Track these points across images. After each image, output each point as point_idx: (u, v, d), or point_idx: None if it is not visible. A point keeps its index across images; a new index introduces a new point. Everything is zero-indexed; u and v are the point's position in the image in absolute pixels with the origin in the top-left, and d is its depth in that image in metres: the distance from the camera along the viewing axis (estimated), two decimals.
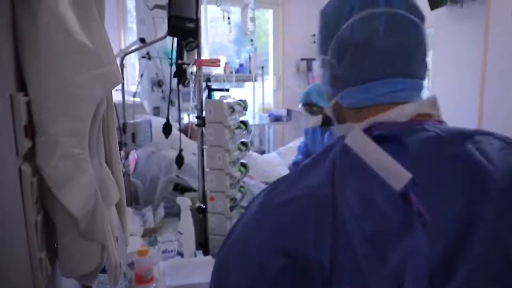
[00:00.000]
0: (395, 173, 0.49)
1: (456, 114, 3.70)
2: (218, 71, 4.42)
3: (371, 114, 0.59)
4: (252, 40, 4.85)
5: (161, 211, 2.22)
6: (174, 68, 1.98)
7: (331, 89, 0.66)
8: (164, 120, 3.10)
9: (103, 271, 1.02)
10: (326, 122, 2.58)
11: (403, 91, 0.60)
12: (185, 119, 3.41)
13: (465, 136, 0.56)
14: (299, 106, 2.73)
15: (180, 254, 1.85)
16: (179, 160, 2.19)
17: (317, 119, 2.68)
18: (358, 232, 0.46)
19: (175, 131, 2.89)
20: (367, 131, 0.56)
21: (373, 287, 0.44)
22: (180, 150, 2.19)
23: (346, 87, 0.63)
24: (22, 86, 0.76)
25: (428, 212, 0.47)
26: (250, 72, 5.16)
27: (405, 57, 0.61)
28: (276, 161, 3.46)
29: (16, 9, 0.74)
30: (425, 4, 3.60)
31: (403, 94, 0.60)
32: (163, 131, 2.17)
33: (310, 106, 2.67)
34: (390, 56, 0.60)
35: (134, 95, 2.86)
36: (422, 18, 0.64)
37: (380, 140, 0.53)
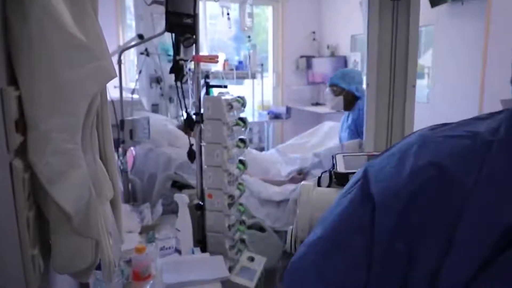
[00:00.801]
0: None
1: (456, 111, 3.69)
2: (217, 68, 4.41)
3: None
4: (249, 37, 4.83)
5: (159, 208, 2.21)
6: (171, 64, 1.97)
7: None
8: (164, 117, 3.09)
9: (99, 267, 1.01)
10: (347, 107, 2.91)
11: None
12: (184, 115, 3.41)
13: None
14: (326, 89, 3.09)
15: (178, 251, 1.84)
16: (191, 155, 2.12)
17: (336, 101, 2.94)
18: (500, 173, 0.52)
19: (172, 127, 2.88)
20: None
21: (502, 212, 0.50)
22: (191, 145, 2.15)
23: None
24: (12, 80, 0.75)
25: None
26: (249, 69, 5.15)
27: None
28: (275, 159, 3.45)
29: (7, 4, 0.73)
30: (426, 2, 3.58)
31: None
32: (185, 123, 2.07)
33: (332, 86, 2.99)
34: None
35: (133, 91, 2.84)
36: None
37: None
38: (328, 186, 1.24)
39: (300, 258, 0.66)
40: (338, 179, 1.21)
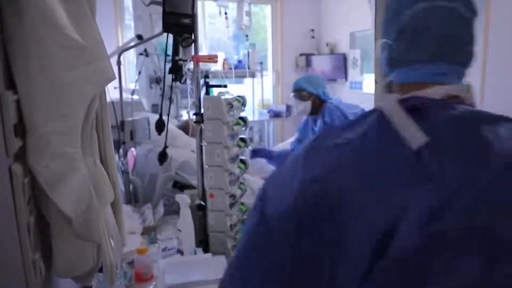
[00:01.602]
0: (414, 135, 0.59)
1: None
2: (216, 67, 4.40)
3: (414, 89, 0.69)
4: (247, 36, 4.82)
5: (160, 208, 2.21)
6: (170, 65, 1.96)
7: (387, 69, 0.76)
8: (164, 117, 3.09)
9: (102, 270, 1.01)
10: (314, 111, 2.84)
11: (446, 74, 0.70)
12: (184, 116, 3.40)
13: (488, 119, 0.63)
14: (291, 95, 2.96)
15: (180, 252, 1.84)
16: (162, 156, 2.15)
17: (304, 106, 2.85)
18: (376, 174, 0.58)
19: (173, 128, 2.88)
20: (404, 101, 0.65)
21: (375, 219, 0.56)
22: (166, 146, 2.16)
23: (400, 66, 0.73)
24: (11, 84, 0.75)
25: (438, 170, 0.56)
26: (249, 68, 5.13)
27: (454, 46, 0.70)
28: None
29: (3, 5, 0.72)
30: None
31: (445, 77, 0.69)
32: (155, 127, 2.14)
33: (299, 91, 2.88)
34: (441, 43, 0.69)
35: (133, 92, 2.84)
36: (475, 14, 0.73)
37: (411, 109, 0.63)
38: None
39: (225, 277, 0.72)
40: None
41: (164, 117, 2.09)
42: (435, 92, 0.67)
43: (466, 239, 0.54)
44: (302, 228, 0.60)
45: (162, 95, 2.13)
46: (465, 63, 0.74)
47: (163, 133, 2.63)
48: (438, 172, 0.57)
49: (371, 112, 0.67)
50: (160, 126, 2.11)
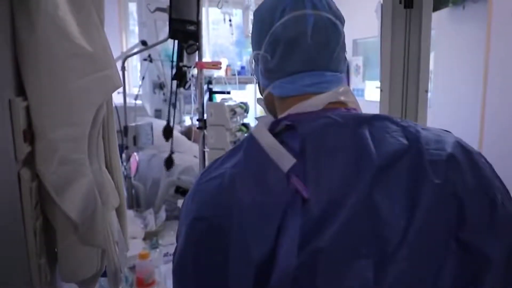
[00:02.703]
0: (283, 158, 0.59)
1: (459, 115, 3.69)
2: (219, 73, 4.42)
3: (294, 103, 0.68)
4: None
5: (162, 214, 2.21)
6: (174, 71, 1.98)
7: (265, 81, 0.74)
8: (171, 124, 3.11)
9: (104, 274, 1.02)
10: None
11: (322, 83, 0.69)
12: (187, 121, 3.41)
13: (361, 121, 0.64)
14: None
15: None
16: (168, 162, 2.17)
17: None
18: (250, 203, 0.58)
19: (176, 133, 2.89)
20: (281, 120, 0.66)
21: (252, 248, 0.56)
22: (172, 152, 2.18)
23: (277, 78, 0.71)
24: (21, 90, 0.76)
25: (313, 187, 0.57)
26: (251, 74, 5.15)
27: (326, 54, 0.70)
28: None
29: (15, 14, 0.74)
30: None
31: (322, 85, 0.69)
32: (163, 134, 2.16)
33: None
34: (313, 52, 0.68)
35: (136, 97, 2.86)
36: (342, 21, 0.73)
37: (288, 128, 0.64)
38: None
39: None
40: None
41: (170, 124, 2.11)
42: (313, 103, 0.67)
43: (349, 249, 0.55)
44: (198, 262, 0.61)
45: (170, 101, 2.14)
46: (341, 69, 0.72)
47: (168, 139, 2.65)
48: (310, 190, 0.57)
49: (247, 137, 0.67)
50: (168, 132, 2.12)
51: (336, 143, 0.61)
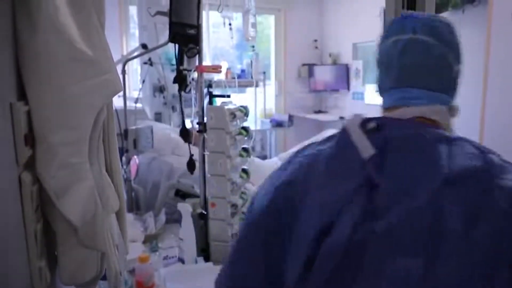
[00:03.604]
0: (365, 148, 0.68)
1: (459, 116, 3.69)
2: (219, 76, 4.43)
3: (389, 112, 0.80)
4: (253, 46, 4.85)
5: (162, 217, 2.22)
6: (174, 74, 1.98)
7: (379, 95, 0.87)
8: (167, 126, 3.11)
9: (104, 278, 1.02)
10: None
11: (407, 98, 0.78)
12: (187, 125, 3.42)
13: (442, 138, 0.70)
14: None
15: (181, 260, 1.85)
16: (191, 166, 2.17)
17: None
18: (328, 179, 0.70)
19: (176, 136, 2.90)
20: (371, 120, 0.75)
21: (318, 215, 0.67)
22: (191, 155, 2.17)
23: (382, 94, 0.85)
24: (22, 95, 0.77)
25: (384, 178, 0.65)
26: (252, 77, 5.16)
27: (419, 73, 0.78)
28: (277, 167, 3.46)
29: (16, 18, 0.74)
30: None
31: (408, 100, 0.78)
32: (181, 135, 2.14)
33: None
34: (406, 71, 0.79)
35: (136, 101, 2.86)
36: (445, 41, 0.80)
37: (378, 124, 0.73)
38: None
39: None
40: None
41: (188, 125, 2.11)
42: (399, 114, 0.77)
43: (403, 240, 0.61)
44: (272, 224, 0.73)
45: (181, 104, 2.14)
46: (437, 88, 0.79)
47: (164, 142, 2.65)
48: (379, 179, 0.65)
49: (341, 129, 0.78)
50: (186, 134, 2.12)
51: (413, 148, 0.69)
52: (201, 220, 2.00)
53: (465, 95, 3.51)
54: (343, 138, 0.74)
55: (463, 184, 0.62)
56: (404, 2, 1.52)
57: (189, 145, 2.16)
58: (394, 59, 0.79)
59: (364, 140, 0.70)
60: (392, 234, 0.61)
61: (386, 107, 0.84)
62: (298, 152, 0.81)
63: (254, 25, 3.90)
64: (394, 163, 0.67)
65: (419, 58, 0.78)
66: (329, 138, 0.78)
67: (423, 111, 0.76)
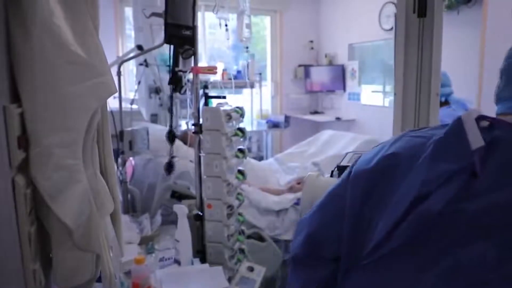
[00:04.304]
0: (476, 139, 0.73)
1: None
2: (215, 77, 4.43)
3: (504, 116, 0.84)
4: (247, 48, 4.85)
5: (158, 218, 2.21)
6: (170, 76, 1.98)
7: (496, 102, 0.92)
8: (163, 127, 3.11)
9: (99, 280, 1.02)
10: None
11: None
12: (183, 126, 3.42)
13: None
14: None
15: (177, 262, 1.85)
16: (169, 167, 2.18)
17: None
18: (434, 159, 0.76)
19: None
20: (481, 117, 0.79)
21: (412, 184, 0.74)
22: (172, 157, 2.18)
23: (499, 102, 0.90)
24: (15, 97, 0.76)
25: (486, 170, 0.70)
26: (248, 78, 5.16)
27: None
28: (274, 167, 3.46)
29: (10, 21, 0.74)
30: None
31: None
32: (167, 138, 2.16)
33: None
34: None
35: (132, 102, 2.86)
36: None
37: (490, 123, 0.78)
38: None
39: (302, 218, 0.95)
40: (340, 171, 1.46)
41: (183, 127, 2.12)
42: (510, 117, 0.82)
43: (487, 224, 0.67)
44: (370, 186, 0.81)
45: (171, 106, 2.15)
46: None
47: (160, 143, 2.65)
48: (480, 169, 0.70)
49: (456, 119, 0.81)
50: (171, 137, 2.14)
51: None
52: (197, 222, 2.00)
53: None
54: (457, 127, 0.78)
55: None
56: (414, 7, 1.62)
57: (171, 147, 2.16)
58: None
59: (476, 132, 0.75)
60: (480, 218, 0.68)
61: (499, 113, 0.89)
62: (410, 131, 0.88)
63: (248, 26, 3.90)
64: (498, 160, 0.72)
65: None
66: (442, 126, 0.84)
67: None
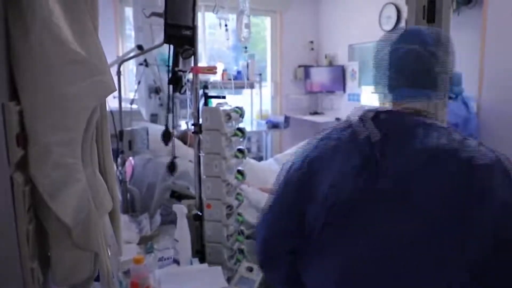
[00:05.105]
0: (374, 134, 0.94)
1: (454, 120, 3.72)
2: (215, 78, 4.43)
3: (394, 106, 1.05)
4: (246, 48, 4.85)
5: (157, 218, 2.21)
6: (170, 75, 1.98)
7: (388, 91, 1.06)
8: (162, 127, 3.10)
9: (97, 279, 1.02)
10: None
11: (412, 96, 1.01)
12: (183, 126, 3.42)
13: (421, 123, 0.95)
14: None
15: (177, 261, 1.84)
16: (172, 167, 2.19)
17: None
18: (345, 157, 0.97)
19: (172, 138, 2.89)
20: (371, 111, 1.00)
21: (326, 181, 0.97)
22: (174, 157, 2.19)
23: (392, 91, 1.05)
24: (14, 95, 0.76)
25: (387, 152, 0.92)
26: (248, 79, 5.16)
27: (411, 76, 1.00)
28: (273, 168, 3.46)
29: (10, 20, 0.74)
30: None
31: (411, 98, 1.01)
32: (162, 138, 2.17)
33: None
34: (404, 77, 1.01)
35: (132, 102, 2.86)
36: (447, 49, 1.02)
37: (376, 114, 0.99)
38: None
39: (257, 224, 1.16)
40: None
41: (170, 128, 2.12)
42: (404, 108, 1.01)
43: (393, 197, 0.89)
44: (299, 185, 1.02)
45: (168, 106, 2.16)
46: (431, 87, 1.01)
47: (160, 143, 2.65)
48: (380, 155, 0.91)
49: (357, 120, 1.01)
50: (167, 137, 2.15)
51: (405, 135, 0.94)
52: (197, 222, 2.00)
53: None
54: (358, 127, 0.98)
55: (441, 157, 0.89)
56: (424, 13, 1.75)
57: (173, 147, 2.16)
58: (396, 66, 1.02)
59: (373, 128, 0.95)
60: (386, 193, 0.89)
61: (393, 101, 1.05)
62: (328, 133, 1.05)
63: (247, 26, 3.90)
64: (391, 143, 0.93)
65: (414, 64, 0.99)
66: (349, 126, 1.00)
67: (415, 106, 1.01)
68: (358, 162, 0.92)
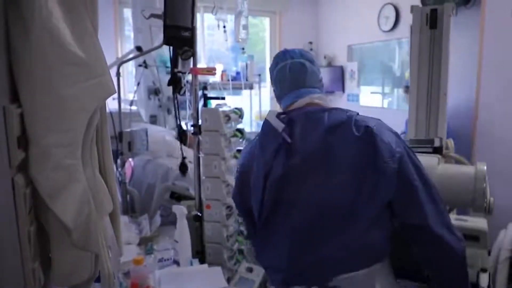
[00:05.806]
0: (279, 125, 1.24)
1: (456, 118, 3.72)
2: (214, 79, 4.43)
3: (288, 108, 1.36)
4: (243, 48, 4.85)
5: (157, 219, 2.22)
6: (169, 77, 1.99)
7: (279, 101, 1.42)
8: (162, 128, 3.11)
9: (98, 280, 1.02)
10: None
11: (299, 96, 1.33)
12: (182, 127, 3.42)
13: (325, 109, 1.26)
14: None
15: (176, 262, 1.85)
16: (183, 168, 2.20)
17: None
18: (262, 147, 1.28)
19: (171, 139, 2.90)
20: (279, 113, 1.30)
21: (263, 167, 1.25)
22: (183, 158, 2.19)
23: (281, 98, 1.40)
24: (15, 97, 0.77)
25: (294, 138, 1.22)
26: (247, 80, 5.16)
27: (296, 82, 1.34)
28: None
29: (9, 21, 0.75)
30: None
31: (299, 97, 1.33)
32: (178, 138, 2.23)
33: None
34: (289, 83, 1.35)
35: (131, 103, 2.87)
36: (311, 60, 1.38)
37: (284, 113, 1.29)
38: None
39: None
40: None
41: (183, 126, 2.17)
42: (295, 105, 1.32)
43: (309, 167, 1.19)
44: (243, 174, 1.37)
45: (177, 106, 2.18)
46: (313, 86, 1.35)
47: (159, 144, 2.65)
48: (291, 139, 1.21)
49: (264, 120, 1.29)
50: (184, 136, 2.22)
51: (306, 120, 1.24)
52: (196, 222, 2.01)
53: (459, 95, 3.54)
54: (266, 125, 1.27)
55: (336, 128, 1.18)
56: (427, 20, 1.99)
57: (181, 148, 2.17)
58: (283, 77, 1.35)
59: (277, 121, 1.24)
60: (303, 165, 1.19)
61: (286, 106, 1.35)
62: (255, 138, 1.35)
63: (245, 27, 3.91)
64: (297, 130, 1.22)
65: (298, 72, 1.33)
66: (267, 125, 1.28)
67: (310, 99, 1.31)
68: (273, 147, 1.21)
